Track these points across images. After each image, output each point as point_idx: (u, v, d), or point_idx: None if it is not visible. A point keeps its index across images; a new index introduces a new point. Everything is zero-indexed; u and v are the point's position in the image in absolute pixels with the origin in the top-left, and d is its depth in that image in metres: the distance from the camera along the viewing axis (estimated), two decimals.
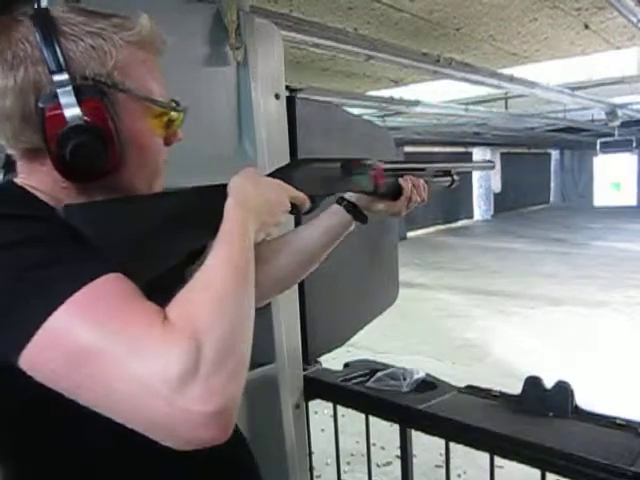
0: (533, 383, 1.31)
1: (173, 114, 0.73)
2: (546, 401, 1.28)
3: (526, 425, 1.24)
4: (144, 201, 0.71)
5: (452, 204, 14.69)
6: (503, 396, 1.38)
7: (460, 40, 3.14)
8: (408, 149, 11.73)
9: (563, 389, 1.27)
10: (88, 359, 0.50)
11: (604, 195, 11.29)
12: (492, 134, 10.54)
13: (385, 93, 5.03)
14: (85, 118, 0.62)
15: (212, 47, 1.30)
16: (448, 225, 14.97)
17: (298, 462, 1.56)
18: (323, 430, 2.19)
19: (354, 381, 1.58)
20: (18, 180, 0.68)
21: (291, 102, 1.53)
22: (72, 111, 0.62)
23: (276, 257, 0.99)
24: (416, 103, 5.38)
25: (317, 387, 1.61)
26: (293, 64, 3.41)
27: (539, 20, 2.81)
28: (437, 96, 5.60)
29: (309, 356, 1.64)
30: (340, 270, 1.65)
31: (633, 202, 10.95)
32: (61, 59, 0.61)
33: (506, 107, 6.70)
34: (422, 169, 1.04)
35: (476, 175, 15.72)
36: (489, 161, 1.46)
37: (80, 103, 0.62)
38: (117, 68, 0.65)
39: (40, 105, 0.62)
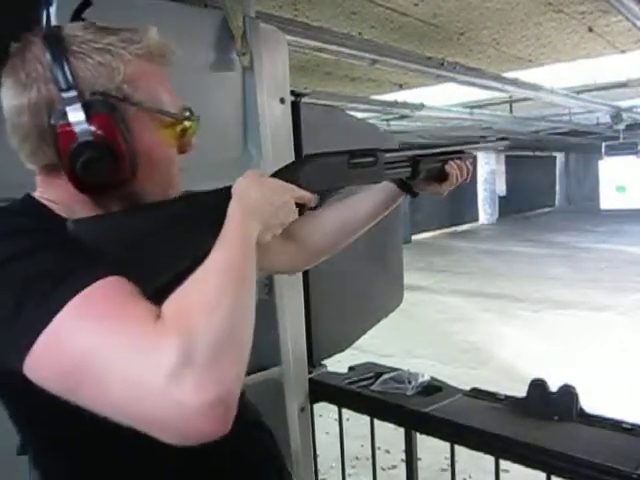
0: (538, 386, 1.31)
1: (186, 123, 0.74)
2: (551, 404, 1.28)
3: (531, 428, 1.24)
4: (146, 211, 0.72)
5: (457, 207, 14.67)
6: (508, 399, 1.38)
7: (464, 44, 3.15)
8: None
9: (568, 392, 1.27)
10: (84, 361, 0.52)
11: (610, 198, 11.25)
12: (497, 137, 10.52)
13: (389, 97, 5.04)
14: (97, 132, 0.64)
15: (219, 53, 1.31)
16: (453, 228, 14.94)
17: (303, 465, 1.56)
18: (328, 433, 2.19)
19: (359, 384, 1.58)
20: (36, 194, 0.71)
21: (296, 106, 1.54)
22: (81, 127, 0.64)
23: (321, 222, 1.03)
24: (420, 106, 5.39)
25: (322, 390, 1.61)
26: (298, 68, 3.42)
27: (543, 24, 2.81)
28: (441, 99, 5.60)
29: (314, 359, 1.64)
30: (345, 273, 1.66)
31: (639, 205, 10.89)
32: (69, 77, 0.63)
33: (511, 110, 6.70)
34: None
35: (481, 178, 15.69)
36: (503, 138, 1.50)
37: (89, 118, 0.64)
38: (126, 82, 0.67)
39: (52, 122, 0.64)
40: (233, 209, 0.70)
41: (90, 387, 0.53)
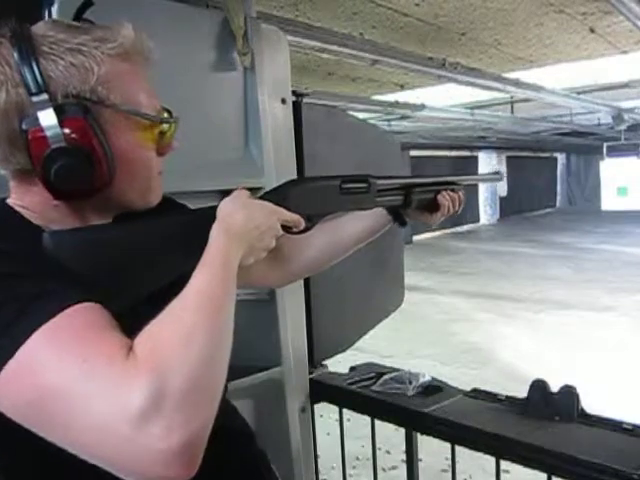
0: (539, 387, 1.31)
1: (164, 125, 0.71)
2: (552, 405, 1.28)
3: (532, 429, 1.24)
4: (125, 226, 0.70)
5: None
6: (509, 400, 1.38)
7: (465, 44, 3.15)
8: (413, 153, 11.73)
9: (569, 393, 1.27)
10: (47, 398, 0.50)
11: (611, 199, 11.27)
12: (498, 138, 10.53)
13: (390, 97, 5.05)
14: (72, 136, 0.62)
15: (220, 53, 1.31)
16: (454, 229, 14.92)
17: (304, 466, 1.56)
18: (328, 434, 2.19)
19: (360, 384, 1.58)
20: (10, 201, 0.68)
21: (297, 107, 1.54)
22: (54, 132, 0.61)
23: (307, 241, 1.00)
24: (421, 107, 5.39)
25: (323, 390, 1.61)
26: (299, 68, 3.43)
27: (545, 24, 2.81)
28: (442, 100, 5.60)
29: (315, 359, 1.64)
30: (346, 274, 1.66)
31: None
32: (40, 80, 0.60)
33: (512, 111, 6.70)
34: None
35: None
36: (496, 173, 1.46)
37: (62, 122, 0.61)
38: (100, 83, 0.64)
39: (23, 127, 0.61)
40: (217, 232, 0.68)
41: (52, 424, 0.51)
